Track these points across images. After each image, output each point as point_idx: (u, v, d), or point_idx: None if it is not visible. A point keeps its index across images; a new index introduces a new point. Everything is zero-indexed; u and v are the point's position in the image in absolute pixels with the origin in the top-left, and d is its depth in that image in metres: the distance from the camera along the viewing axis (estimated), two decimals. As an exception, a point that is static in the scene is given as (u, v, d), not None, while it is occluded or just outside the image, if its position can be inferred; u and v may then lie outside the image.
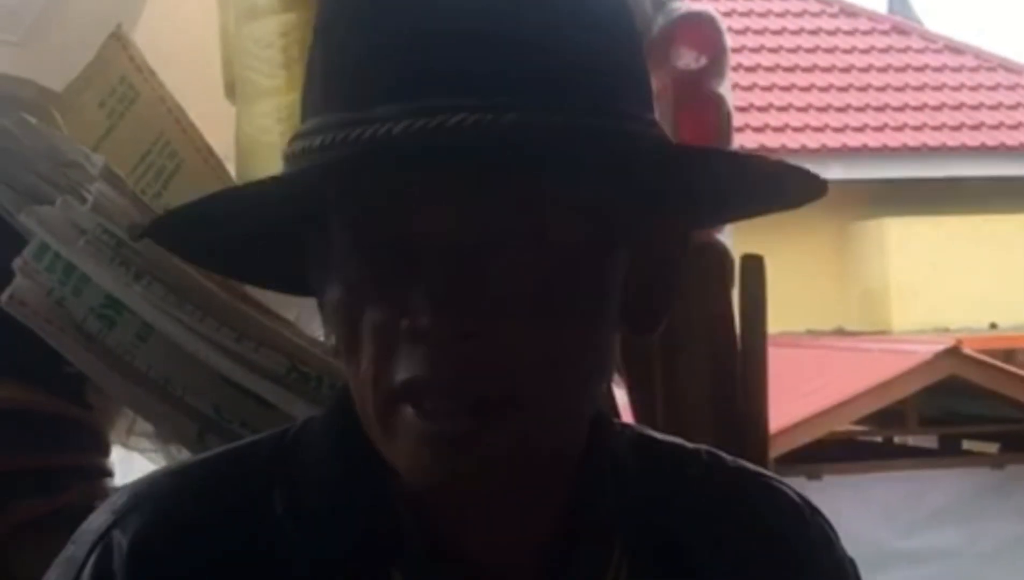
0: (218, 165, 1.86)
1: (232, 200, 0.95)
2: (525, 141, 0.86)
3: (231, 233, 0.96)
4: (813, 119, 11.83)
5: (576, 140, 0.88)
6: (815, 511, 1.08)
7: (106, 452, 1.68)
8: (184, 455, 1.60)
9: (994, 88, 12.50)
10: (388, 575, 0.93)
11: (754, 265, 1.92)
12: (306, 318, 1.71)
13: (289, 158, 0.92)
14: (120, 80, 1.77)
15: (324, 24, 0.92)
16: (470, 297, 0.87)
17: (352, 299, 0.91)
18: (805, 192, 0.96)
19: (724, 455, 1.07)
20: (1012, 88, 12.55)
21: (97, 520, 0.96)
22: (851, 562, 1.08)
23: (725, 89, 1.89)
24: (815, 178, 0.93)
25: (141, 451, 1.67)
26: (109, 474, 1.68)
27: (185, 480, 0.99)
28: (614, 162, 0.90)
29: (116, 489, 1.71)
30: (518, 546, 0.96)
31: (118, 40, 1.78)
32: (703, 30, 1.87)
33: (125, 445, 1.68)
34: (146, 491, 0.97)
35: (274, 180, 0.91)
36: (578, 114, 0.88)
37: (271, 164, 1.59)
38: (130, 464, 1.73)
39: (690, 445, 1.08)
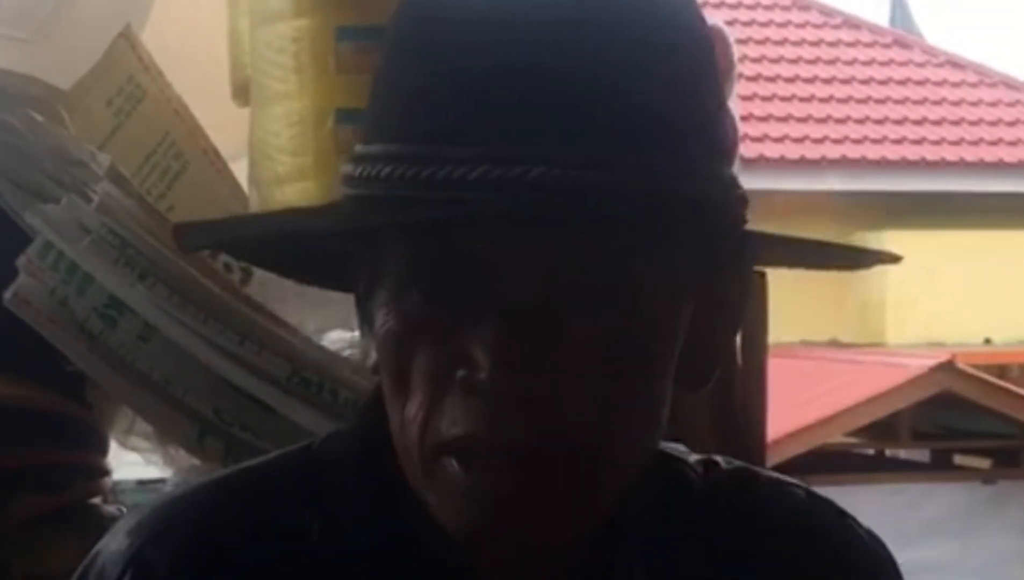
0: (223, 167, 1.86)
1: (286, 222, 0.93)
2: (613, 203, 0.81)
3: (280, 245, 0.93)
4: (813, 130, 11.83)
5: (667, 207, 0.83)
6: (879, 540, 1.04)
7: (105, 451, 1.68)
8: (182, 456, 1.60)
9: (994, 104, 12.51)
10: None
11: (755, 280, 1.92)
12: (307, 322, 1.71)
13: (353, 181, 0.87)
14: (128, 79, 1.77)
15: (410, 46, 0.86)
16: (541, 360, 0.81)
17: (406, 334, 0.85)
18: (853, 264, 0.97)
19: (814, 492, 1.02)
20: (1012, 104, 12.55)
21: (121, 540, 0.92)
22: None
23: (732, 102, 1.89)
24: (871, 257, 0.95)
25: (139, 451, 1.67)
26: (108, 473, 1.69)
27: (212, 499, 0.95)
28: (699, 232, 0.86)
29: (114, 486, 1.73)
30: None
31: (126, 39, 1.78)
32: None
33: (124, 445, 1.67)
34: (176, 510, 0.94)
35: (331, 208, 0.87)
36: (664, 178, 0.83)
37: (280, 168, 1.60)
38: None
39: (784, 478, 1.03)
